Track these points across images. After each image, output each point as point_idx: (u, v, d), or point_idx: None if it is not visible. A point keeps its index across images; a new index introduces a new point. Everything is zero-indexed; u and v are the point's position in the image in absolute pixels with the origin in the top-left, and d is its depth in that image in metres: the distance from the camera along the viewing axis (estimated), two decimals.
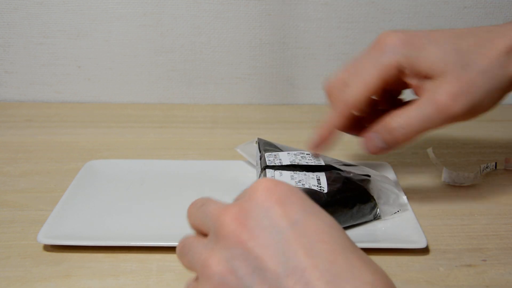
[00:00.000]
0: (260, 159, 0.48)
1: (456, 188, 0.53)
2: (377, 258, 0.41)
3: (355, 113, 0.44)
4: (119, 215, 0.47)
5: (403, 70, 0.41)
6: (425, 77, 0.41)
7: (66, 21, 0.72)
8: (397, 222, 0.45)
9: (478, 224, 0.47)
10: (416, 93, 0.43)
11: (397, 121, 0.42)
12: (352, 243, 0.25)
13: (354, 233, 0.45)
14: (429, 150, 0.58)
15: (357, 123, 0.47)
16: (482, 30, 0.42)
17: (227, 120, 0.71)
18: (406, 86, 0.44)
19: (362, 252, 0.25)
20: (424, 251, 0.43)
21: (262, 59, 0.75)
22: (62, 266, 0.41)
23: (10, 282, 0.39)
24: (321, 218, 0.26)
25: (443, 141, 0.64)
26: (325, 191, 0.43)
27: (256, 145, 0.51)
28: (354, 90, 0.42)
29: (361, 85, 0.42)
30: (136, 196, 0.50)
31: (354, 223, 0.45)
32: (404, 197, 0.48)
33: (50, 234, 0.42)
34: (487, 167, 0.55)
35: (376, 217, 0.46)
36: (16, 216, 0.47)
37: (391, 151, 0.44)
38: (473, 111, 0.41)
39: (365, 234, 0.44)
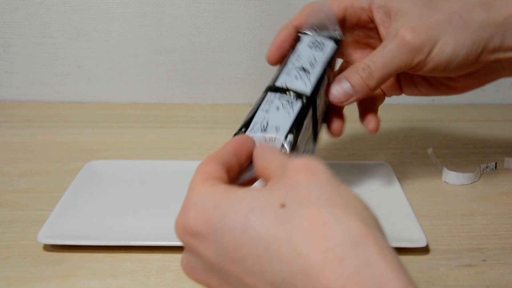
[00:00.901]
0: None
1: (456, 188, 0.53)
2: None
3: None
4: (119, 215, 0.47)
5: (372, 4, 0.42)
6: (391, 15, 0.42)
7: (66, 21, 0.72)
8: (397, 222, 0.45)
9: (478, 224, 0.47)
10: (380, 29, 0.43)
11: (363, 61, 0.41)
12: (273, 222, 0.24)
13: None
14: (429, 150, 0.58)
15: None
16: None
17: (227, 120, 0.72)
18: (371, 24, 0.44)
19: (290, 215, 0.24)
20: (424, 251, 0.43)
21: (262, 59, 0.75)
22: (62, 266, 0.41)
23: (10, 282, 0.39)
24: (232, 227, 0.25)
25: (443, 141, 0.64)
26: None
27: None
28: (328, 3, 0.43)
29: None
30: (136, 196, 0.50)
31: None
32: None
33: (50, 234, 0.42)
34: (487, 167, 0.55)
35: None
36: (16, 216, 0.47)
37: (358, 99, 0.42)
38: (434, 47, 0.40)
39: None
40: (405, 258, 0.42)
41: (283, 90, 0.39)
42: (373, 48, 0.45)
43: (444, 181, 0.53)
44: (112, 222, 0.46)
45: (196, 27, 0.73)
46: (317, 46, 0.43)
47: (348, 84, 0.41)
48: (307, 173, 0.26)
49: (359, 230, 0.23)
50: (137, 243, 0.42)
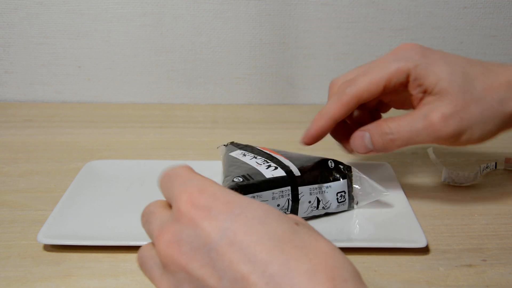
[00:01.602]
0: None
1: (456, 188, 0.53)
2: (377, 258, 0.42)
3: (353, 109, 0.44)
4: (119, 215, 0.47)
5: (409, 78, 0.42)
6: (427, 91, 0.42)
7: (66, 21, 0.72)
8: (397, 222, 0.45)
9: (478, 224, 0.47)
10: (413, 105, 0.44)
11: (389, 126, 0.43)
12: (289, 229, 0.25)
13: (353, 233, 0.45)
14: (429, 150, 0.58)
15: (345, 130, 0.48)
16: (491, 64, 0.44)
17: (227, 120, 0.71)
18: (406, 96, 0.45)
19: (302, 234, 0.25)
20: (424, 251, 0.43)
21: (262, 59, 0.75)
22: (62, 266, 0.41)
23: (10, 282, 0.39)
24: (250, 217, 0.25)
25: None
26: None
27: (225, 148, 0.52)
28: (359, 84, 0.43)
29: (367, 80, 0.43)
30: (136, 196, 0.50)
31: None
32: (382, 189, 0.46)
33: (50, 234, 0.42)
34: (487, 167, 0.55)
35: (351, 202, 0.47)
36: (16, 216, 0.47)
37: (375, 154, 0.45)
38: (460, 137, 0.42)
39: (365, 234, 0.44)
40: (405, 258, 0.42)
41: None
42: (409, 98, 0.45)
43: (444, 181, 0.53)
44: (112, 222, 0.46)
45: (196, 27, 0.73)
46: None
47: (370, 141, 0.44)
48: None
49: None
50: (137, 243, 0.42)
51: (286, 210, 0.43)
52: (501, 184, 0.53)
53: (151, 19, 0.72)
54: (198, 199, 0.26)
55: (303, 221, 0.29)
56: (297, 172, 0.44)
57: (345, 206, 0.47)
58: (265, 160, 0.46)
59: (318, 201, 0.45)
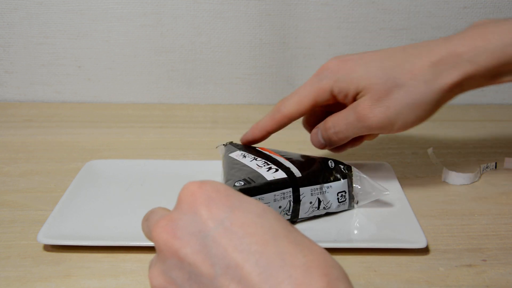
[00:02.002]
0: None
1: (456, 188, 0.53)
2: (377, 258, 0.42)
3: (287, 121, 0.49)
4: (119, 215, 0.47)
5: (333, 93, 0.46)
6: (355, 96, 0.45)
7: (66, 21, 0.72)
8: (397, 222, 0.45)
9: (478, 224, 0.47)
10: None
11: (329, 120, 0.47)
12: (285, 227, 0.26)
13: (354, 234, 0.45)
14: (429, 150, 0.58)
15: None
16: (411, 47, 0.46)
17: (227, 120, 0.72)
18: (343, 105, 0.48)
19: (297, 234, 0.26)
20: (424, 251, 0.43)
21: (262, 59, 0.75)
22: (62, 266, 0.41)
23: (10, 282, 0.39)
24: (248, 210, 0.26)
25: (443, 141, 0.64)
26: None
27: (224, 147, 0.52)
28: (288, 105, 0.48)
29: (295, 101, 0.47)
30: (136, 196, 0.50)
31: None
32: (383, 189, 0.47)
33: (50, 234, 0.42)
34: (487, 167, 0.55)
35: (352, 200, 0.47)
36: (16, 216, 0.47)
37: (331, 147, 0.49)
38: (394, 124, 0.44)
39: (365, 234, 0.44)
40: (405, 258, 0.42)
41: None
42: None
43: (444, 181, 0.53)
44: (112, 222, 0.46)
45: (196, 27, 0.73)
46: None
47: (322, 137, 0.48)
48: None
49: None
50: (137, 243, 0.42)
51: (287, 212, 0.43)
52: (501, 184, 0.53)
53: (151, 19, 0.72)
54: (199, 191, 0.27)
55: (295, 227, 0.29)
56: (298, 173, 0.44)
57: (346, 206, 0.47)
58: (265, 162, 0.46)
59: (319, 201, 0.45)
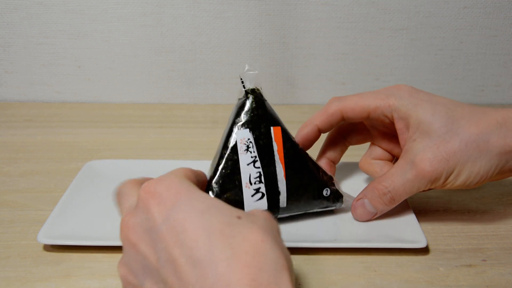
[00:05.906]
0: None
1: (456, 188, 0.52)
2: (377, 258, 0.42)
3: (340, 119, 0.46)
4: (119, 215, 0.47)
5: (393, 114, 0.44)
6: (410, 128, 0.43)
7: (66, 21, 0.72)
8: (397, 222, 0.45)
9: (478, 224, 0.47)
10: (399, 138, 0.45)
11: (384, 185, 0.43)
12: (227, 222, 0.28)
13: (354, 234, 0.45)
14: None
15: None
16: (481, 106, 0.44)
17: (227, 120, 0.71)
18: (387, 130, 0.47)
19: (240, 227, 0.28)
20: (424, 251, 0.43)
21: (262, 59, 0.75)
22: (62, 266, 0.41)
23: (10, 282, 0.39)
24: (192, 207, 0.29)
25: None
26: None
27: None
28: (348, 101, 0.45)
29: (356, 100, 0.45)
30: None
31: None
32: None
33: (50, 234, 0.42)
34: None
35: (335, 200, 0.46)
36: (16, 216, 0.47)
37: (380, 214, 0.45)
38: (450, 178, 0.41)
39: (365, 234, 0.44)
40: (405, 258, 0.42)
41: None
42: (397, 139, 0.46)
43: None
44: (112, 222, 0.45)
45: (196, 27, 0.73)
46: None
47: (372, 206, 0.44)
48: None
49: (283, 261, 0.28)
50: None
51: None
52: (501, 184, 0.53)
53: (151, 19, 0.72)
54: (154, 187, 0.31)
55: (248, 214, 0.30)
56: (283, 203, 0.43)
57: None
58: (258, 178, 0.42)
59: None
